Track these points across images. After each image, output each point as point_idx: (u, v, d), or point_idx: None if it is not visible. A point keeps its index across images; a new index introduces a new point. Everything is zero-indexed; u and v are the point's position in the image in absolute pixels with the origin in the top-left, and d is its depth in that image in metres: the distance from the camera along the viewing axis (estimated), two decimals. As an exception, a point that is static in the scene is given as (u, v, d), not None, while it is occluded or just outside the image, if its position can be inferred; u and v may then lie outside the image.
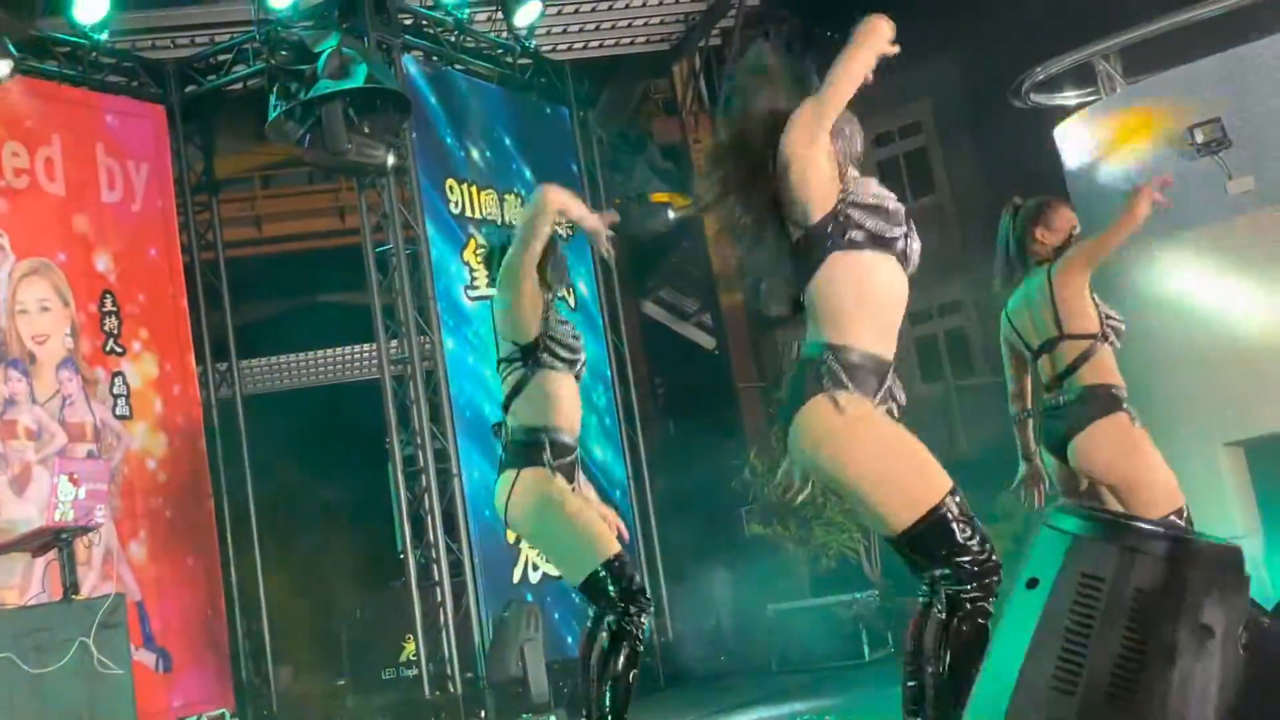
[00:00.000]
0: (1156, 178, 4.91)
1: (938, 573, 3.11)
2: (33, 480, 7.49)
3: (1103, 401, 4.73)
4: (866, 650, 9.05)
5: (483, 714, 8.02)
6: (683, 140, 12.84)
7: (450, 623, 8.24)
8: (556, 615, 8.49)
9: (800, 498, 3.48)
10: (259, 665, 8.79)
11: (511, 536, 8.70)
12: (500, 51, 9.96)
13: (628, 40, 12.05)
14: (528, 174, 9.75)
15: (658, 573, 9.90)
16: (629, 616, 4.37)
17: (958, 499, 3.13)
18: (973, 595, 3.11)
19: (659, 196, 11.49)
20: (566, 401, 4.59)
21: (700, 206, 3.53)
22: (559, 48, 11.28)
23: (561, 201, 4.57)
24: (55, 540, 6.30)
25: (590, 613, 4.49)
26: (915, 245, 3.41)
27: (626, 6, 11.47)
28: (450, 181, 9.06)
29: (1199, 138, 7.80)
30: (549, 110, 10.33)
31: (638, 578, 4.51)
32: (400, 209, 8.69)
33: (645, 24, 12.05)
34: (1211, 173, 7.89)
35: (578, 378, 4.70)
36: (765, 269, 3.52)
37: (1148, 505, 4.54)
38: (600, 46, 11.79)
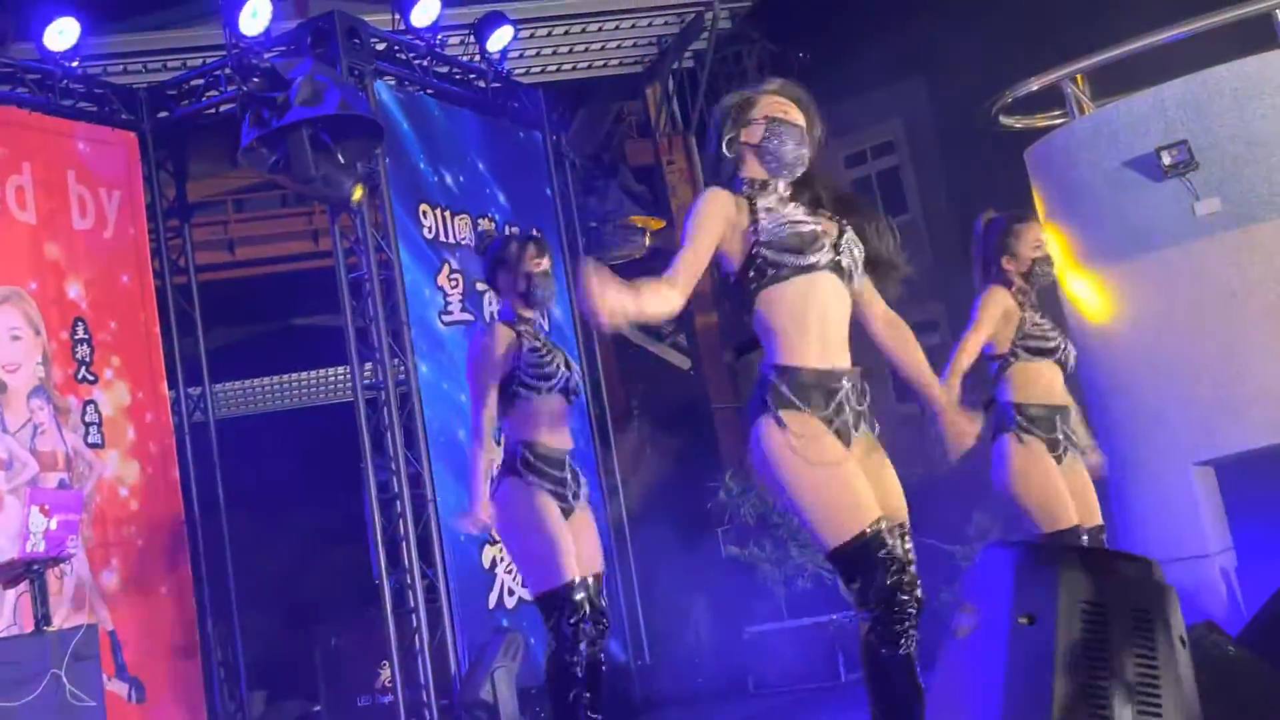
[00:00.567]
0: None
1: (854, 598, 3.23)
2: (3, 510, 7.44)
3: (999, 419, 4.89)
4: (843, 671, 9.06)
5: (457, 740, 8.00)
6: (656, 162, 12.87)
7: (426, 649, 8.21)
8: (533, 640, 8.47)
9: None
10: (233, 693, 8.74)
11: (487, 561, 8.70)
12: (473, 76, 9.98)
13: (600, 63, 12.10)
14: (501, 198, 9.76)
15: (633, 595, 9.89)
16: (567, 640, 4.44)
17: (884, 534, 3.21)
18: (875, 630, 3.20)
19: (634, 220, 11.50)
20: (545, 417, 4.66)
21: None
22: (531, 71, 11.32)
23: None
24: (27, 572, 6.27)
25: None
26: (854, 253, 3.49)
27: (599, 30, 11.53)
28: (424, 206, 9.07)
29: (1166, 160, 7.87)
30: (522, 134, 10.35)
31: (587, 604, 4.49)
32: (373, 233, 8.69)
33: (618, 46, 12.11)
34: (1179, 194, 7.96)
35: (566, 395, 4.77)
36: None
37: (1035, 520, 4.78)
38: (573, 70, 11.84)
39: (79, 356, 8.20)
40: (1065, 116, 8.89)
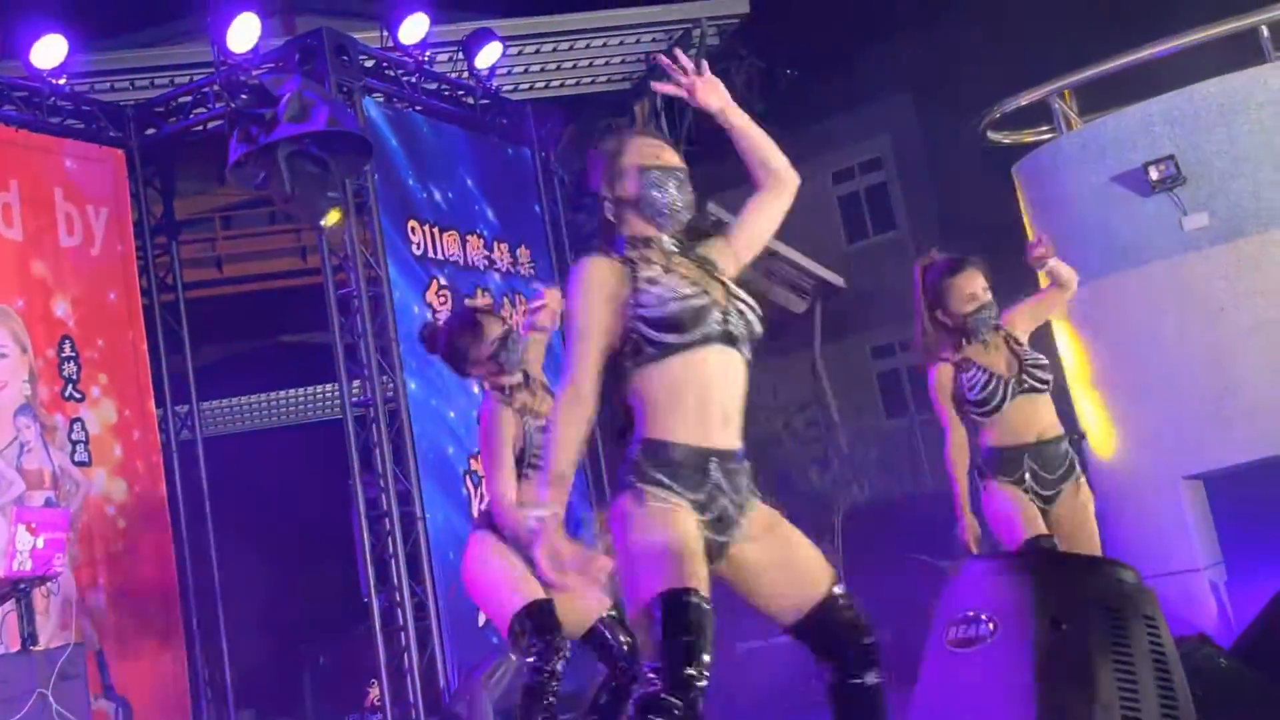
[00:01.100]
0: None
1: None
2: (-10, 529, 7.39)
3: (974, 465, 5.00)
4: (834, 688, 9.02)
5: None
6: (645, 179, 12.87)
7: (415, 667, 8.17)
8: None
9: None
10: (221, 712, 8.68)
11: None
12: (461, 93, 9.98)
13: (589, 80, 12.10)
14: (490, 214, 9.76)
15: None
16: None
17: (696, 602, 2.88)
18: (650, 694, 2.87)
19: None
20: None
21: None
22: (520, 88, 11.32)
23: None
24: (13, 590, 6.22)
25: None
26: (746, 317, 3.17)
27: (587, 46, 11.52)
28: (412, 222, 9.06)
29: (1153, 175, 7.90)
30: (510, 151, 10.35)
31: (548, 633, 4.45)
32: (362, 250, 8.67)
33: (606, 63, 12.11)
34: (1166, 209, 7.99)
35: None
36: None
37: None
38: (561, 86, 11.83)
39: (66, 374, 8.16)
40: (1053, 132, 8.92)
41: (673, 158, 3.26)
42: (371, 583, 8.28)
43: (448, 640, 8.25)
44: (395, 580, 8.28)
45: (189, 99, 9.15)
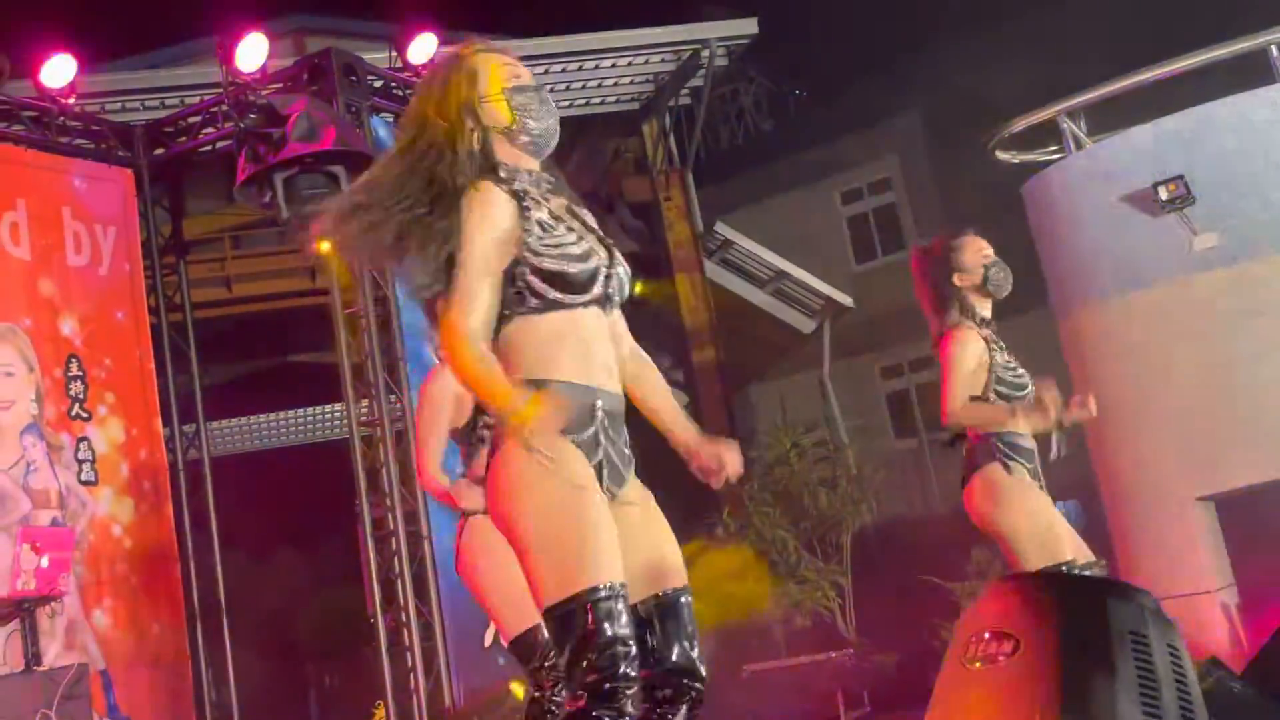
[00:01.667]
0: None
1: (552, 663, 2.73)
2: (-5, 548, 7.37)
3: (979, 454, 4.69)
4: (842, 710, 8.97)
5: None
6: (653, 199, 12.90)
7: (421, 688, 8.13)
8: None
9: None
10: (226, 733, 8.64)
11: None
12: (470, 112, 9.98)
13: (598, 100, 12.15)
14: (497, 234, 9.74)
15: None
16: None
17: (607, 603, 2.64)
18: (582, 714, 2.64)
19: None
20: None
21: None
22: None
23: None
24: (17, 610, 6.21)
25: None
26: (621, 278, 2.94)
27: (596, 67, 11.57)
28: (420, 242, 9.03)
29: (1163, 194, 7.87)
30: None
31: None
32: (369, 270, 8.66)
33: (615, 84, 12.16)
34: (1175, 229, 7.97)
35: None
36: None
37: (1020, 557, 4.54)
38: (570, 106, 11.86)
39: (73, 393, 8.15)
40: (1062, 152, 8.91)
41: (525, 72, 2.99)
42: (378, 603, 8.24)
43: (454, 661, 8.21)
44: (401, 600, 8.24)
45: (198, 119, 9.15)
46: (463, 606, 8.34)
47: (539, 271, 2.80)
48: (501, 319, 2.83)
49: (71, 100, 8.54)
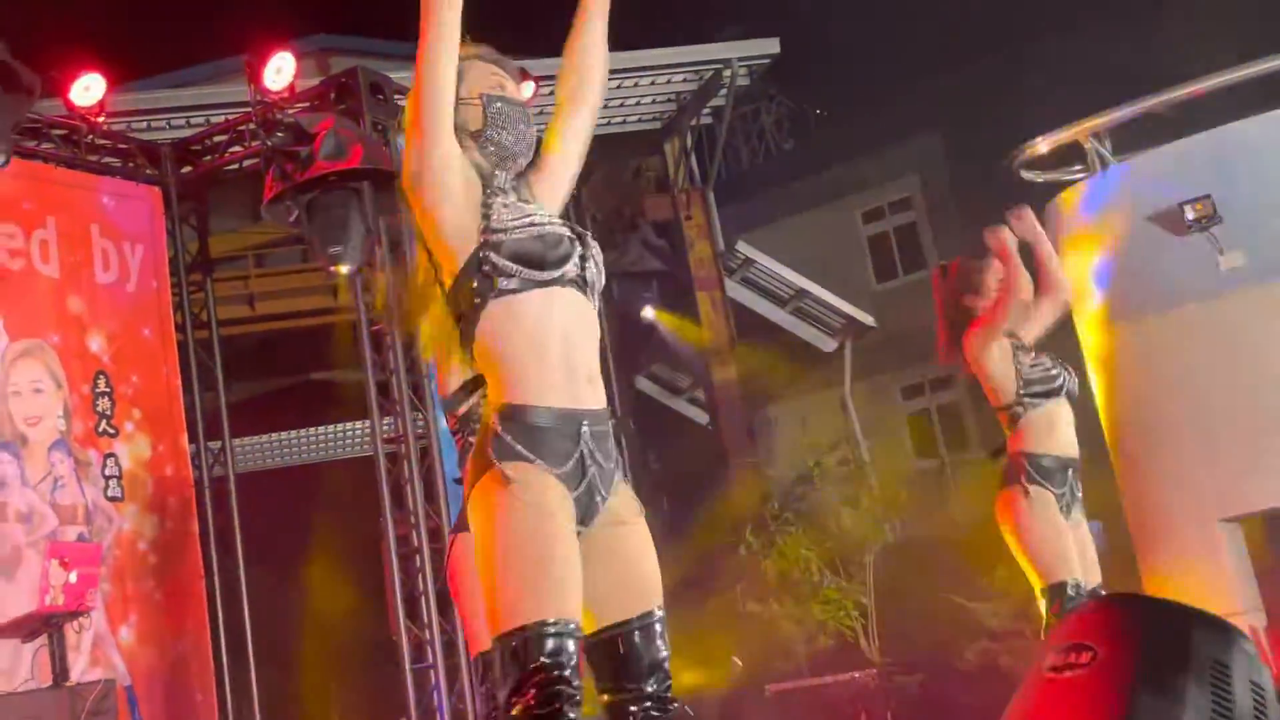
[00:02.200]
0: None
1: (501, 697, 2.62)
2: (23, 564, 7.40)
3: (1008, 472, 4.83)
4: (866, 730, 8.94)
5: (477, 799, 7.89)
6: (675, 218, 12.92)
7: (444, 706, 8.13)
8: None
9: None
10: (250, 750, 8.65)
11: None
12: (494, 131, 10.02)
13: (620, 120, 12.18)
14: (522, 252, 9.77)
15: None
16: None
17: (547, 638, 2.56)
18: None
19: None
20: None
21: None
22: (553, 126, 11.37)
23: None
24: (45, 625, 6.23)
25: None
26: (598, 261, 2.87)
27: (618, 86, 11.60)
28: (444, 260, 9.06)
29: (1190, 214, 7.85)
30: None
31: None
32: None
33: (637, 103, 12.20)
34: (1203, 249, 7.93)
35: None
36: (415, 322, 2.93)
37: (1027, 574, 4.73)
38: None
39: (100, 409, 8.20)
40: (1086, 171, 8.89)
41: (515, 89, 2.98)
42: (401, 620, 8.25)
43: (476, 678, 8.20)
44: (425, 618, 8.25)
45: (225, 137, 9.22)
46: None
47: (505, 249, 2.72)
48: (476, 308, 2.73)
49: (100, 119, 8.61)
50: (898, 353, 13.93)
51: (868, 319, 14.36)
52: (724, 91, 12.34)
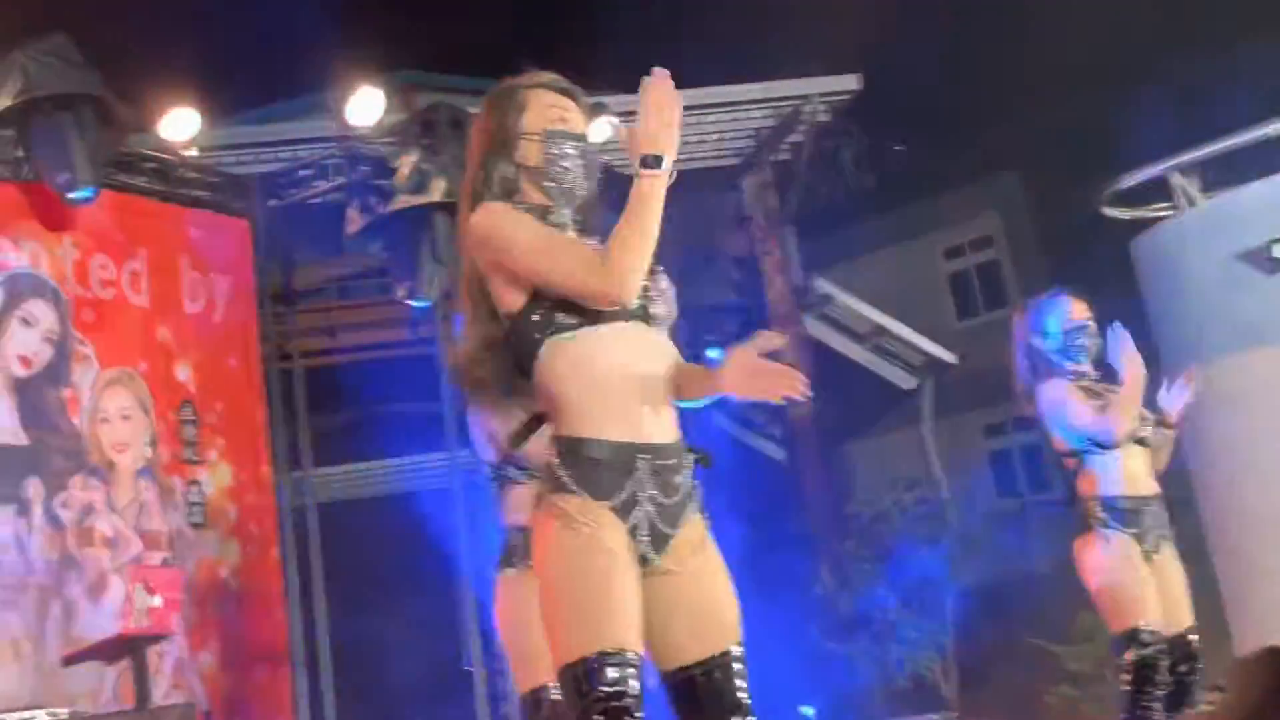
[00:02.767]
0: None
1: None
2: (109, 588, 7.54)
3: (1079, 518, 4.72)
4: (943, 773, 8.82)
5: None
6: (752, 253, 12.91)
7: (518, 737, 8.13)
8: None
9: None
10: (326, 778, 8.70)
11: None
12: (573, 165, 10.10)
13: (698, 156, 12.20)
14: (600, 285, 9.81)
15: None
16: None
17: (606, 668, 2.55)
18: None
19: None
20: None
21: None
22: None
23: None
24: (128, 648, 6.33)
25: None
26: (668, 298, 2.84)
27: (696, 123, 11.63)
28: (523, 292, 9.12)
29: (1278, 253, 7.72)
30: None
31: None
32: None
33: (716, 139, 12.22)
34: (1292, 288, 7.80)
35: None
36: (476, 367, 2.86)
37: (1103, 618, 4.68)
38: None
39: (185, 437, 8.34)
40: (1174, 208, 8.77)
41: (578, 119, 2.92)
42: (476, 652, 8.27)
43: (523, 717, 8.18)
44: (499, 649, 8.25)
45: (310, 171, 9.37)
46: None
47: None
48: (535, 345, 2.70)
49: (191, 152, 8.81)
50: (979, 391, 13.74)
51: (948, 356, 14.21)
52: (803, 127, 12.33)
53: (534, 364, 2.71)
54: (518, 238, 2.71)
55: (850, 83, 12.28)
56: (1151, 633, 4.53)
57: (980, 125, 14.28)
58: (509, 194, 2.83)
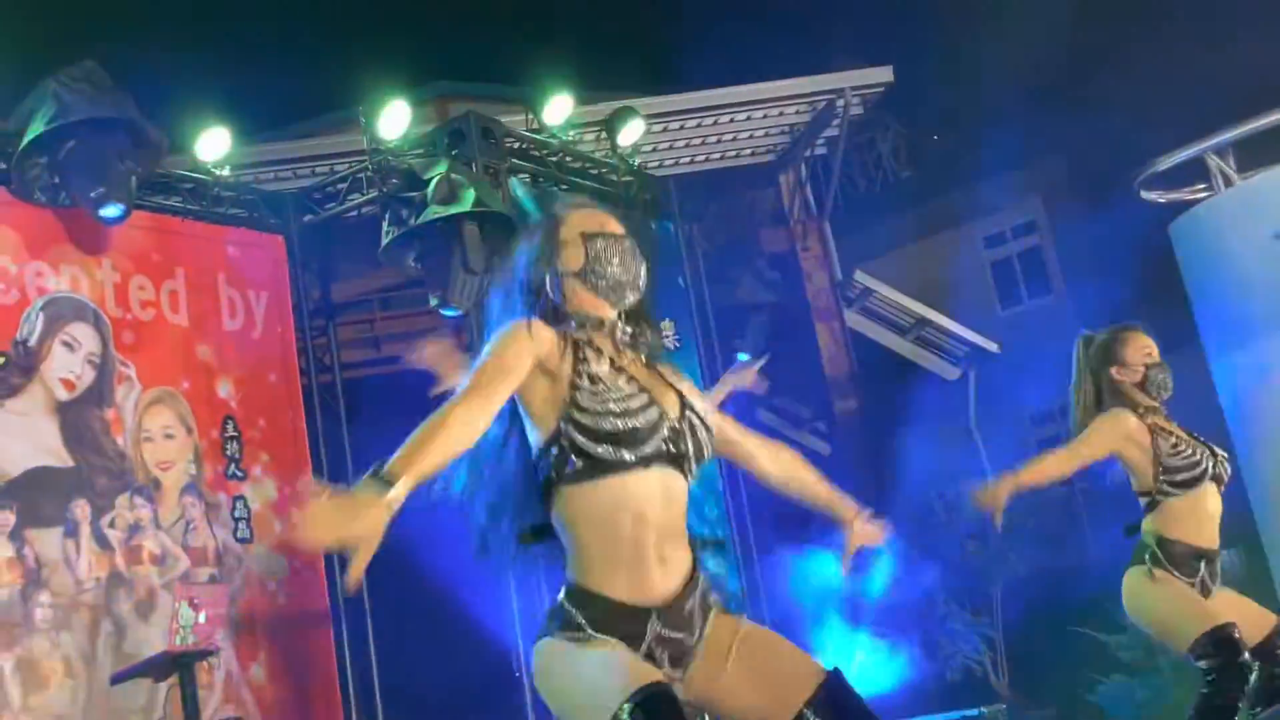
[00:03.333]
0: None
1: None
2: (157, 604, 7.64)
3: (1137, 550, 4.59)
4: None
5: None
6: (790, 250, 12.88)
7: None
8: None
9: None
10: (377, 787, 8.76)
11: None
12: (604, 170, 10.14)
13: (733, 154, 12.19)
14: (635, 288, 9.83)
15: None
16: None
17: (639, 700, 2.52)
18: None
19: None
20: None
21: None
22: (665, 164, 11.45)
23: None
24: (175, 664, 6.40)
25: None
26: (699, 436, 2.78)
27: (730, 121, 11.62)
28: (559, 299, 9.16)
29: (1317, 230, 7.62)
30: (653, 225, 10.45)
31: None
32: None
33: (750, 136, 12.19)
34: (1331, 266, 7.69)
35: None
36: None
37: (1176, 644, 4.51)
38: (705, 160, 11.94)
39: (229, 454, 8.43)
40: (1210, 189, 8.67)
41: (617, 226, 2.91)
42: (524, 658, 8.30)
43: None
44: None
45: (344, 185, 9.44)
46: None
47: (583, 428, 2.67)
48: (550, 485, 2.72)
49: (225, 171, 8.91)
50: (1025, 379, 13.64)
51: (992, 346, 14.11)
52: (838, 122, 12.28)
53: (550, 497, 2.73)
54: (489, 354, 2.70)
55: (884, 75, 12.22)
56: (1234, 626, 4.31)
57: (1020, 110, 14.17)
58: (556, 307, 2.85)
